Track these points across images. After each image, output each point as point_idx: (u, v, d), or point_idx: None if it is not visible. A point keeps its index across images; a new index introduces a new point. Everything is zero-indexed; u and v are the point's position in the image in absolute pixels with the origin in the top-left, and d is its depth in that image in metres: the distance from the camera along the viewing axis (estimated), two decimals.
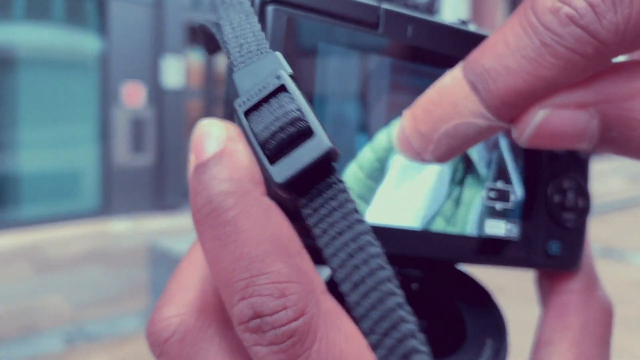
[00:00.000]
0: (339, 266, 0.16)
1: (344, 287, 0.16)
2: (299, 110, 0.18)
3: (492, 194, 0.27)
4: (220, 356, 0.21)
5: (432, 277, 0.28)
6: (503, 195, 0.27)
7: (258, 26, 0.21)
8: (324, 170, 0.17)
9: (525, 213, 0.27)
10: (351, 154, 0.24)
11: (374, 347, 0.15)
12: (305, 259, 0.20)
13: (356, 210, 0.17)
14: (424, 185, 0.25)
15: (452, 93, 0.19)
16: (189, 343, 0.21)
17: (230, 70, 0.21)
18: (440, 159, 0.19)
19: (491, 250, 0.27)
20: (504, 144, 0.27)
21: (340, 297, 0.18)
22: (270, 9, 0.22)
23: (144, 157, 5.43)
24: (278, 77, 0.19)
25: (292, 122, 0.18)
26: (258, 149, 0.18)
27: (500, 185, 0.27)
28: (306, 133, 0.18)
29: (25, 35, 4.78)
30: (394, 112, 0.25)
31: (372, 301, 0.15)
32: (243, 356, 0.21)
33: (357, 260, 0.16)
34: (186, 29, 5.46)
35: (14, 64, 4.73)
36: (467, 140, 0.19)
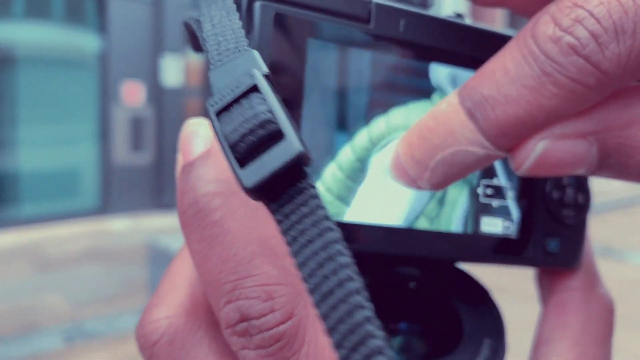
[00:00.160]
0: (309, 276, 0.15)
1: (314, 298, 0.15)
2: (270, 111, 0.17)
3: (489, 191, 0.26)
4: (209, 358, 0.21)
5: (430, 275, 0.28)
6: (499, 192, 0.26)
7: (239, 23, 0.21)
8: (295, 175, 0.17)
9: (523, 210, 0.27)
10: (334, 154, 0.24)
11: None
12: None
13: (327, 217, 0.16)
14: (403, 191, 0.25)
15: (448, 120, 0.18)
16: (178, 345, 0.21)
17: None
18: (437, 186, 0.19)
19: (488, 249, 0.26)
20: None
21: None
22: (257, 5, 0.22)
23: (144, 156, 5.42)
24: (251, 77, 0.18)
25: (262, 124, 0.17)
26: (228, 151, 0.17)
27: (496, 182, 0.26)
28: (277, 136, 0.17)
29: (25, 34, 4.78)
30: (375, 110, 0.24)
31: (340, 314, 0.15)
32: (233, 358, 0.21)
33: (326, 270, 0.15)
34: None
35: (13, 62, 4.73)
36: (464, 168, 0.18)
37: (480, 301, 0.28)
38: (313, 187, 0.17)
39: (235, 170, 0.17)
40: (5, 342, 2.70)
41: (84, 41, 5.11)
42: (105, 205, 5.22)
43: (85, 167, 5.23)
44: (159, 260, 2.83)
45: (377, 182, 0.24)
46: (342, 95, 0.24)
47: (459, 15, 0.26)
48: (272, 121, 0.17)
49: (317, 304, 0.15)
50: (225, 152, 0.17)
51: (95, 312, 3.08)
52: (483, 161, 0.18)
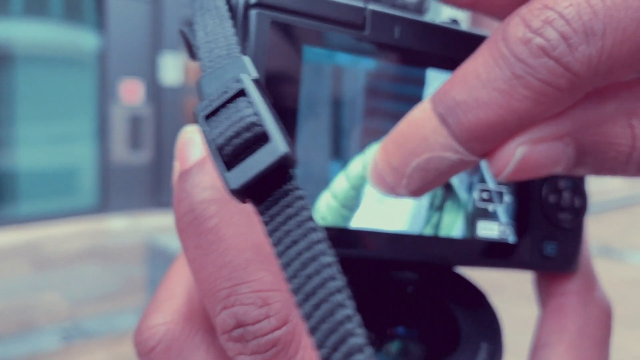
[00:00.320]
0: (292, 276, 0.16)
1: (297, 298, 0.15)
2: (256, 114, 0.17)
3: (485, 195, 0.26)
4: None
5: (428, 280, 0.28)
6: (496, 197, 0.26)
7: (231, 30, 0.21)
8: (280, 177, 0.17)
9: (520, 214, 0.27)
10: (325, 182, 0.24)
11: None
12: None
13: (311, 218, 0.16)
14: (401, 212, 0.25)
15: (421, 126, 0.18)
16: (175, 352, 0.21)
17: None
18: (415, 193, 0.19)
19: (485, 253, 0.26)
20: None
21: None
22: (253, 12, 0.22)
23: (142, 154, 5.43)
24: (238, 81, 0.18)
25: (248, 127, 0.17)
26: (215, 154, 0.18)
27: (492, 186, 0.26)
28: (262, 138, 0.17)
29: (23, 32, 4.78)
30: (369, 137, 0.24)
31: (322, 313, 0.15)
32: None
33: (309, 270, 0.15)
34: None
35: (11, 60, 4.72)
36: (439, 174, 0.18)
37: (478, 305, 0.28)
38: (298, 188, 0.17)
39: (221, 172, 0.17)
40: (3, 341, 2.70)
41: (82, 39, 5.10)
42: (104, 204, 5.23)
43: (83, 165, 5.23)
44: (157, 259, 2.83)
45: (372, 209, 0.24)
46: (337, 103, 0.23)
47: (454, 21, 0.26)
48: (257, 124, 0.17)
49: (300, 304, 0.15)
50: (212, 155, 0.18)
51: (94, 311, 3.08)
52: (457, 167, 0.18)
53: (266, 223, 0.17)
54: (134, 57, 5.28)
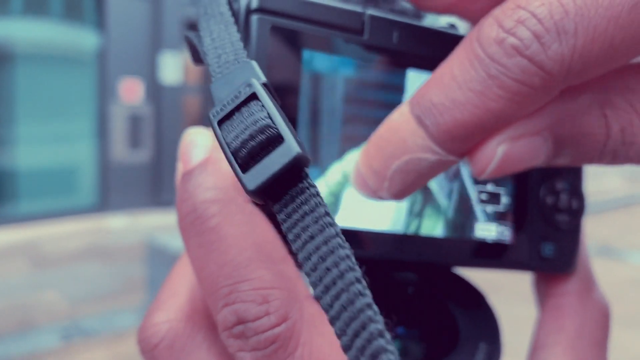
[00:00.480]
0: (312, 270, 0.16)
1: (317, 291, 0.16)
2: (269, 117, 0.18)
3: (483, 197, 0.26)
4: None
5: (427, 280, 0.28)
6: (494, 198, 0.27)
7: (237, 36, 0.21)
8: (295, 176, 0.18)
9: (517, 215, 0.27)
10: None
11: (346, 348, 0.15)
12: (289, 265, 0.20)
13: (327, 214, 0.17)
14: (379, 218, 0.25)
15: (400, 128, 0.19)
16: (178, 349, 0.21)
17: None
18: (396, 195, 0.19)
19: (483, 254, 0.26)
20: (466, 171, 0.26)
21: None
22: (254, 18, 0.22)
23: (142, 153, 5.43)
24: (249, 86, 0.19)
25: (262, 129, 0.18)
26: (230, 157, 0.18)
27: (490, 188, 0.26)
28: (276, 140, 0.18)
29: (23, 31, 4.77)
30: (348, 144, 0.24)
31: (342, 302, 0.15)
32: None
33: (328, 263, 0.16)
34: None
35: (11, 59, 4.72)
36: (419, 175, 0.19)
37: (476, 305, 0.28)
38: (313, 186, 0.17)
39: (238, 175, 0.18)
40: (2, 340, 2.71)
41: (82, 38, 5.10)
42: (103, 203, 5.23)
43: (83, 164, 5.23)
44: (157, 257, 2.83)
45: (350, 215, 0.24)
46: (335, 106, 0.24)
47: (452, 26, 0.26)
48: (270, 126, 0.18)
49: (321, 295, 0.16)
50: (228, 159, 0.18)
51: (93, 309, 3.08)
52: (437, 168, 0.19)
53: (283, 221, 0.17)
54: (134, 56, 5.28)
